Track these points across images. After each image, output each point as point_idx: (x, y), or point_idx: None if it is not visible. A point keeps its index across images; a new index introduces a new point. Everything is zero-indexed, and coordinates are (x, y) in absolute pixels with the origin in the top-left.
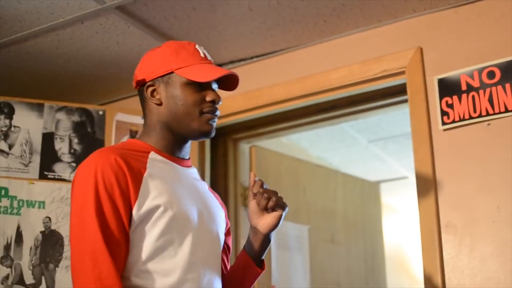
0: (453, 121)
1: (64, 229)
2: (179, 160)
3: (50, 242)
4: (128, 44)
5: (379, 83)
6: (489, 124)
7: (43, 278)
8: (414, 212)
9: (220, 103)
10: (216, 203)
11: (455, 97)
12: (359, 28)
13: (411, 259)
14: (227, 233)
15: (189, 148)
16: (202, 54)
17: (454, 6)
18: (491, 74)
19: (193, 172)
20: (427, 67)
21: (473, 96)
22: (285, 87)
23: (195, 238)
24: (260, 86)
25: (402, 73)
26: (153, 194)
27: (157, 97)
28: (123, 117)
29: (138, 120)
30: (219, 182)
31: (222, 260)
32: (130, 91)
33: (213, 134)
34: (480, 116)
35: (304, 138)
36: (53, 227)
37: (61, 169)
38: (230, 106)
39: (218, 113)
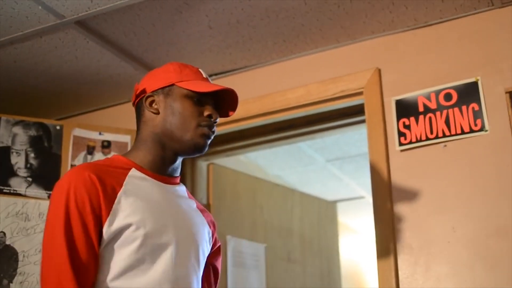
0: (410, 142)
1: (18, 244)
2: (164, 178)
3: (4, 257)
4: (87, 59)
5: (337, 103)
6: (445, 146)
7: None
8: (370, 232)
9: (218, 120)
10: (200, 222)
11: (412, 118)
12: (317, 48)
13: (367, 278)
14: (214, 254)
15: (179, 166)
16: (204, 75)
17: (412, 28)
18: (448, 96)
19: (180, 190)
20: (384, 88)
21: (430, 118)
22: (243, 105)
23: (168, 258)
24: None
25: (360, 93)
26: (125, 212)
27: (155, 107)
28: (80, 133)
29: (96, 135)
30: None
31: (204, 282)
32: (88, 107)
33: (205, 150)
34: (436, 137)
35: (261, 157)
36: (7, 242)
37: (17, 183)
38: None
39: (214, 129)
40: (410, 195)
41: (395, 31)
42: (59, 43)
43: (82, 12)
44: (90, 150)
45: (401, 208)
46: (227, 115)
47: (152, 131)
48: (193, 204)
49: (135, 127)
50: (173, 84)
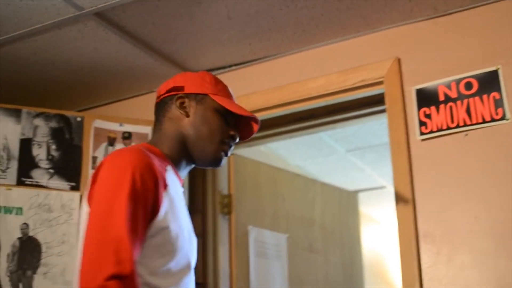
0: (431, 131)
1: (41, 236)
2: (180, 179)
3: (28, 248)
4: (106, 50)
5: (357, 93)
6: (466, 135)
7: (20, 284)
8: (392, 221)
9: (237, 140)
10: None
11: (433, 108)
12: (337, 37)
13: (389, 268)
14: None
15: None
16: (234, 96)
17: (432, 17)
18: (468, 85)
19: (183, 192)
20: (405, 77)
21: (450, 107)
22: (263, 96)
23: (188, 270)
24: (238, 94)
25: (380, 83)
26: (167, 214)
27: (186, 110)
28: (101, 124)
29: (116, 127)
30: (198, 190)
31: None
32: (108, 98)
33: (220, 165)
34: (457, 126)
35: (282, 147)
36: (30, 234)
37: (39, 175)
38: None
39: (232, 149)
40: (431, 185)
41: (414, 20)
42: (78, 35)
43: (101, 3)
44: (111, 141)
45: (423, 198)
46: (243, 139)
47: (178, 130)
48: None
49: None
50: (207, 94)
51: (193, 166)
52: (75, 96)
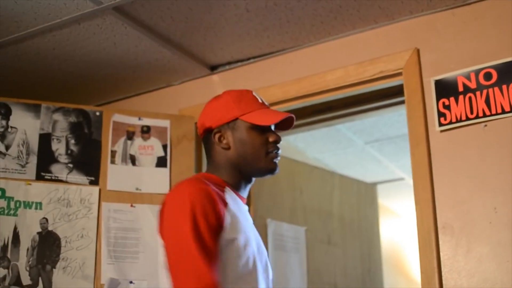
0: (450, 122)
1: (61, 230)
2: (242, 198)
3: (47, 243)
4: (125, 45)
5: (376, 85)
6: (485, 125)
7: (40, 279)
8: (411, 213)
9: (280, 141)
10: (261, 242)
11: (452, 99)
12: (355, 29)
13: (408, 260)
14: None
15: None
16: (260, 100)
17: (451, 8)
18: (487, 76)
19: (247, 210)
20: (424, 68)
21: (469, 98)
22: (281, 88)
23: (259, 276)
24: (257, 87)
25: (399, 74)
26: (233, 228)
27: (225, 142)
28: (120, 118)
29: (135, 121)
30: None
31: None
32: (127, 92)
33: (277, 171)
34: (477, 117)
35: (300, 139)
36: (50, 228)
37: (58, 170)
38: None
39: (280, 152)
40: (450, 176)
41: (433, 11)
42: (97, 30)
43: None
44: (130, 136)
45: (442, 189)
46: (286, 129)
47: (227, 160)
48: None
49: (173, 112)
50: (237, 118)
51: (253, 181)
52: (94, 91)
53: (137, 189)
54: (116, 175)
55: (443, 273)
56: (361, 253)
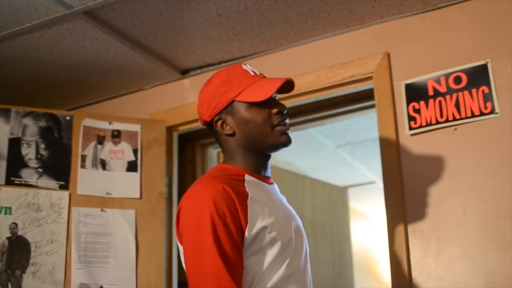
0: (420, 126)
1: (30, 235)
2: (266, 179)
3: (17, 248)
4: (95, 49)
5: (347, 88)
6: (455, 129)
7: (9, 284)
8: (382, 217)
9: (286, 110)
10: (297, 216)
11: (422, 102)
12: (326, 33)
13: (379, 263)
14: None
15: (270, 165)
16: (251, 73)
17: (421, 12)
18: (457, 80)
19: (276, 188)
20: (394, 72)
21: (440, 101)
22: None
23: (294, 254)
24: None
25: (370, 78)
26: (259, 217)
27: (228, 128)
28: (90, 123)
29: (106, 125)
30: (187, 188)
31: None
32: (98, 96)
33: (290, 142)
34: (447, 121)
35: None
36: (19, 233)
37: (28, 174)
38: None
39: (287, 121)
40: (421, 179)
41: (404, 15)
42: (67, 34)
43: (90, 2)
44: (100, 140)
45: (412, 193)
46: (288, 91)
47: (238, 145)
48: (285, 199)
49: (144, 116)
50: (233, 101)
51: (270, 156)
52: (64, 95)
53: (107, 193)
54: (86, 179)
55: (413, 276)
56: (333, 256)
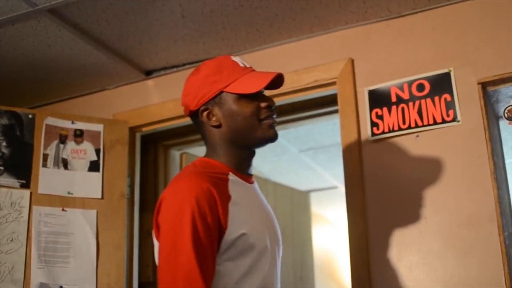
0: (383, 132)
1: None
2: (248, 178)
3: None
4: (59, 47)
5: (310, 93)
6: (417, 136)
7: None
8: (343, 221)
9: (275, 105)
10: (274, 217)
11: (385, 109)
12: (291, 38)
13: (339, 268)
14: None
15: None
16: (241, 64)
17: (386, 19)
18: (420, 87)
19: (257, 187)
20: (358, 78)
21: (402, 108)
22: None
23: (268, 263)
24: None
25: (333, 83)
26: (239, 222)
27: (214, 119)
28: (53, 121)
29: (68, 124)
30: (149, 189)
31: None
32: (61, 95)
33: (277, 137)
34: (409, 127)
35: None
36: None
37: None
38: (160, 112)
39: (275, 116)
40: (382, 185)
41: (368, 22)
42: (31, 31)
43: (55, 0)
44: (63, 139)
45: (374, 198)
46: (278, 87)
47: (222, 138)
48: (264, 199)
49: (107, 116)
50: (221, 91)
51: (255, 153)
52: (27, 93)
53: (69, 193)
54: (47, 178)
55: (373, 281)
56: (294, 260)
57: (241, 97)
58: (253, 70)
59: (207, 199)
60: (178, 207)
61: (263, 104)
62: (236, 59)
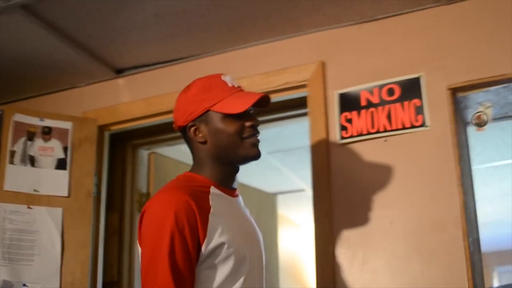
0: (351, 136)
1: None
2: (231, 192)
3: None
4: (31, 44)
5: (281, 95)
6: (386, 140)
7: None
8: (309, 224)
9: (259, 125)
10: (257, 229)
11: (354, 112)
12: (263, 39)
13: (305, 271)
14: None
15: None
16: (230, 84)
17: (358, 23)
18: (390, 91)
19: (241, 201)
20: (328, 81)
21: (372, 112)
22: None
23: (249, 272)
24: (162, 92)
25: (304, 86)
26: (218, 232)
27: (200, 135)
28: (21, 118)
29: (37, 121)
30: (116, 188)
31: None
32: (30, 92)
33: (260, 156)
34: (378, 132)
35: None
36: None
37: None
38: (130, 111)
39: (258, 135)
40: (349, 189)
41: (341, 25)
42: (3, 27)
43: None
44: (31, 136)
45: (340, 202)
46: (264, 106)
47: (208, 154)
48: (248, 211)
49: (77, 114)
50: (208, 110)
51: (239, 169)
52: None
53: (35, 190)
54: (14, 175)
55: (337, 284)
56: None
57: (227, 116)
58: (241, 90)
59: (185, 211)
60: (157, 221)
61: (247, 124)
62: (226, 78)
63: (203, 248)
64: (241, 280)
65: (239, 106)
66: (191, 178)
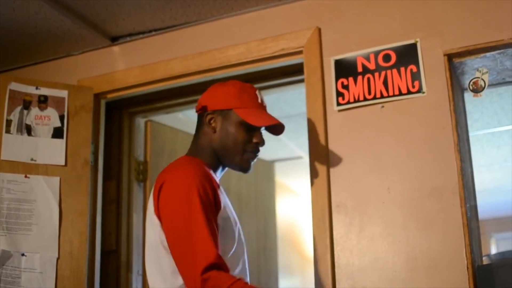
0: (348, 102)
1: None
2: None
3: None
4: (25, 12)
5: (277, 62)
6: (383, 107)
7: None
8: (308, 192)
9: (263, 145)
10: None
11: (350, 79)
12: (259, 5)
13: (303, 238)
14: None
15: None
16: (259, 100)
17: None
18: (387, 57)
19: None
20: (324, 47)
21: (368, 78)
22: (182, 62)
23: (243, 253)
24: (158, 60)
25: (300, 52)
26: (224, 207)
27: (213, 125)
28: (17, 87)
29: (32, 90)
30: (113, 156)
31: None
32: (25, 60)
33: (249, 172)
34: (374, 98)
35: None
36: None
37: None
38: (126, 79)
39: (259, 154)
40: (346, 156)
41: None
42: None
43: None
44: (26, 105)
45: (337, 169)
46: (278, 134)
47: (210, 144)
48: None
49: (72, 82)
50: (231, 109)
51: (226, 169)
52: None
53: (32, 159)
54: (10, 144)
55: (335, 251)
56: (257, 230)
57: (243, 124)
58: (265, 110)
59: (208, 181)
60: (184, 186)
61: (255, 140)
62: (259, 94)
63: (218, 216)
64: (241, 256)
65: (258, 120)
66: (194, 160)
